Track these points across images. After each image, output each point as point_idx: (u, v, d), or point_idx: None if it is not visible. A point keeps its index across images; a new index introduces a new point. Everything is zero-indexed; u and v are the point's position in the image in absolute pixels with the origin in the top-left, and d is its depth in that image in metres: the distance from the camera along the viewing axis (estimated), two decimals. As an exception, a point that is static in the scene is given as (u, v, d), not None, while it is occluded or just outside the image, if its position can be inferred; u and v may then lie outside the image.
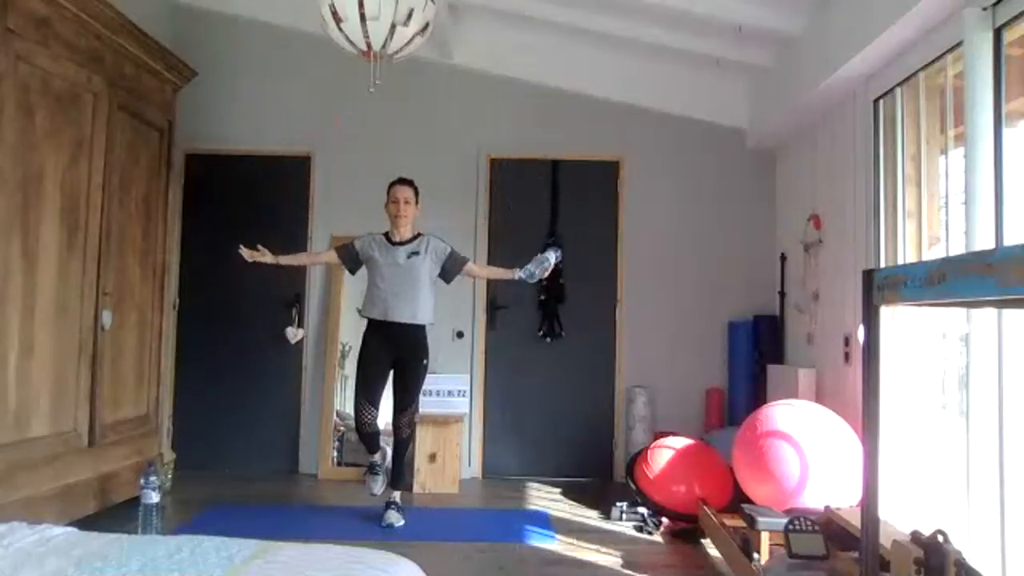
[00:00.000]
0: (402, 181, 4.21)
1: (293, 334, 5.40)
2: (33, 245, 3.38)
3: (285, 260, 4.16)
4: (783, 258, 5.28)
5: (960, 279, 1.26)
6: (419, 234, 4.19)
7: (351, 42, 3.43)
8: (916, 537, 1.84)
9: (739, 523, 3.45)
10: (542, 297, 5.46)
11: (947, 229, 3.36)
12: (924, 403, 3.46)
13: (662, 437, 4.59)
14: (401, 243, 4.14)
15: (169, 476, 4.75)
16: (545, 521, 4.31)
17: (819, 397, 4.34)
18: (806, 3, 4.12)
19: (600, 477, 5.38)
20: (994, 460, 2.80)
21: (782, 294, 5.25)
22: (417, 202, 4.21)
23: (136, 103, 4.19)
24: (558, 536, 4.01)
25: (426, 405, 4.91)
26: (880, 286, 1.55)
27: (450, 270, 4.20)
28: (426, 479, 4.93)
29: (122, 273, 4.10)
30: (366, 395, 4.14)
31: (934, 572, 1.73)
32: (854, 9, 3.69)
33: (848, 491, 3.45)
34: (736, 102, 5.47)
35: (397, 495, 4.27)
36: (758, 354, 5.22)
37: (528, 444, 5.47)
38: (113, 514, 3.85)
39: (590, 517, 4.44)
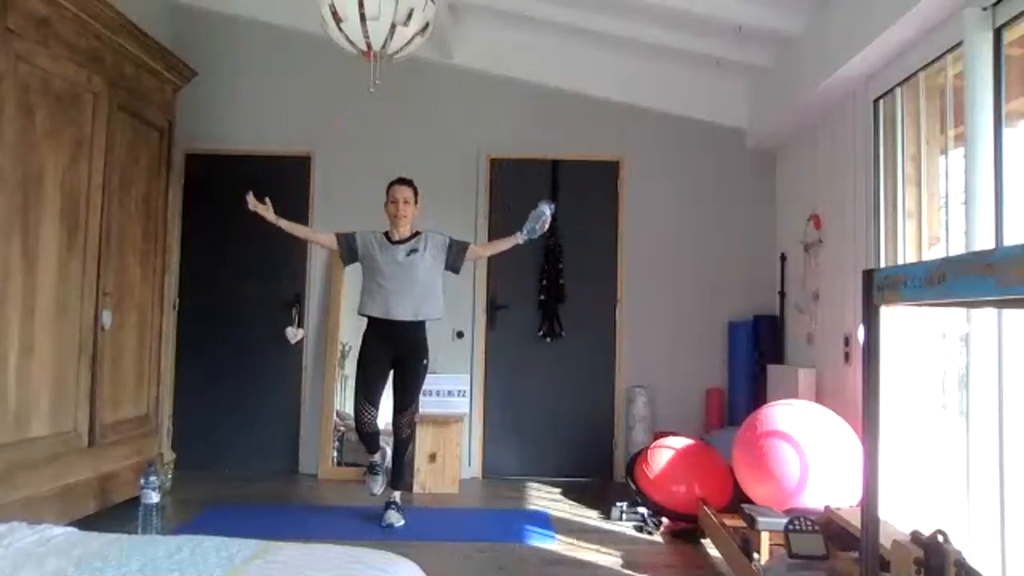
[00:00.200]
0: (401, 181, 4.21)
1: (293, 334, 5.40)
2: (33, 245, 3.38)
3: (285, 224, 4.10)
4: (783, 258, 5.28)
5: (960, 279, 1.26)
6: (417, 232, 4.19)
7: (351, 42, 3.43)
8: (916, 537, 1.84)
9: (739, 523, 3.45)
10: (542, 297, 5.46)
11: (947, 229, 3.36)
12: (924, 403, 3.46)
13: (662, 437, 4.60)
14: (400, 241, 4.15)
15: (169, 476, 4.75)
16: (545, 521, 4.31)
17: (819, 397, 4.34)
18: (806, 3, 4.12)
19: (600, 477, 5.38)
20: (994, 460, 2.80)
21: (782, 294, 5.25)
22: (417, 202, 4.21)
23: (136, 103, 4.19)
24: (558, 536, 4.01)
25: (426, 405, 4.91)
26: (880, 286, 1.55)
27: (454, 260, 4.19)
28: (426, 479, 4.93)
29: (122, 273, 4.10)
30: (366, 395, 4.14)
31: (934, 572, 1.73)
32: (854, 9, 3.69)
33: (848, 491, 3.45)
34: (736, 102, 5.47)
35: (397, 495, 4.27)
36: (758, 354, 5.22)
37: (528, 444, 5.47)
38: (113, 514, 3.85)
39: (590, 517, 4.44)
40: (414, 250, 4.12)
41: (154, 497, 3.56)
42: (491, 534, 4.05)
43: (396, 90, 5.03)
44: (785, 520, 2.93)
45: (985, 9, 2.86)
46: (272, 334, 5.42)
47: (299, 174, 5.52)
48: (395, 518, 4.12)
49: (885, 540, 1.85)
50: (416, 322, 4.13)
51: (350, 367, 5.26)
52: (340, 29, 3.37)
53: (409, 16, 3.32)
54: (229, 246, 5.49)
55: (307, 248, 5.49)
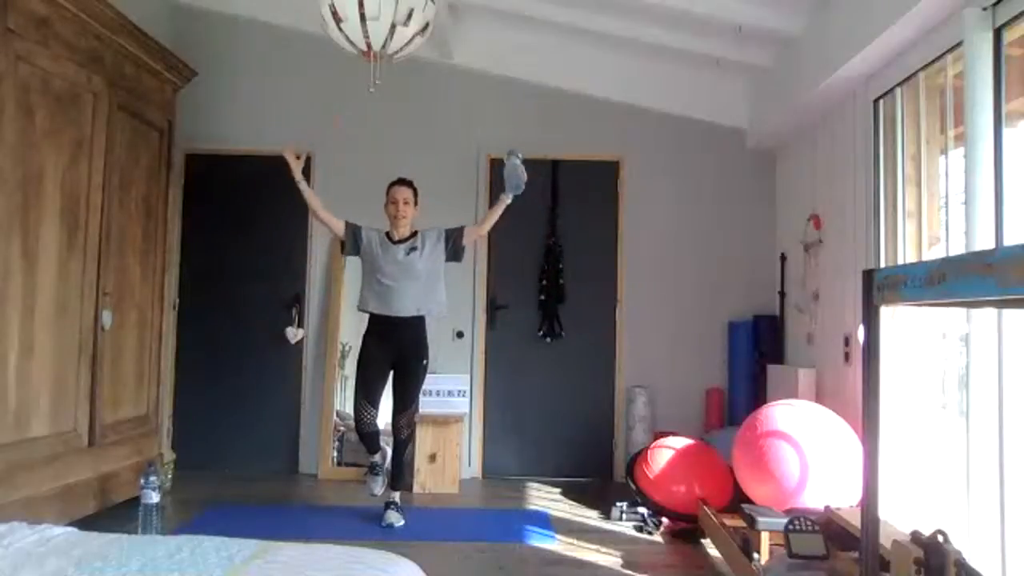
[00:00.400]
0: (401, 182, 4.22)
1: (293, 334, 5.40)
2: (33, 245, 3.38)
3: (305, 188, 4.08)
4: (783, 258, 5.28)
5: (960, 279, 1.26)
6: (416, 232, 4.20)
7: (351, 42, 3.43)
8: (916, 537, 1.84)
9: (739, 523, 3.45)
10: (542, 297, 5.46)
11: (947, 229, 3.36)
12: (924, 403, 3.46)
13: (662, 437, 4.60)
14: (400, 241, 4.16)
15: (169, 476, 4.75)
16: (545, 521, 4.31)
17: (819, 397, 4.34)
18: (806, 3, 4.12)
19: (600, 477, 5.38)
20: (994, 460, 2.80)
21: (782, 294, 5.25)
22: (416, 202, 4.21)
23: (136, 103, 4.19)
24: (558, 536, 4.01)
25: (426, 405, 4.92)
26: (880, 286, 1.55)
27: (454, 247, 4.18)
28: (426, 479, 4.93)
29: (122, 273, 4.10)
30: (365, 395, 4.14)
31: (934, 572, 1.73)
32: (854, 9, 3.69)
33: (848, 491, 3.45)
34: (736, 102, 5.47)
35: (397, 495, 4.27)
36: (758, 354, 5.22)
37: (528, 444, 5.47)
38: (113, 514, 3.85)
39: (590, 517, 4.44)
40: (413, 248, 4.13)
41: (154, 497, 3.56)
42: (491, 534, 4.05)
43: (396, 90, 5.03)
44: (785, 520, 2.93)
45: (985, 9, 2.86)
46: (272, 334, 5.42)
47: (299, 174, 5.51)
48: (395, 518, 4.13)
49: (885, 540, 1.85)
50: (417, 317, 4.14)
51: (350, 367, 5.26)
52: (340, 29, 3.37)
53: (409, 16, 3.32)
54: (229, 246, 5.49)
55: (307, 248, 5.49)
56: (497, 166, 5.51)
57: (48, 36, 3.41)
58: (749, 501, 3.72)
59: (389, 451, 4.30)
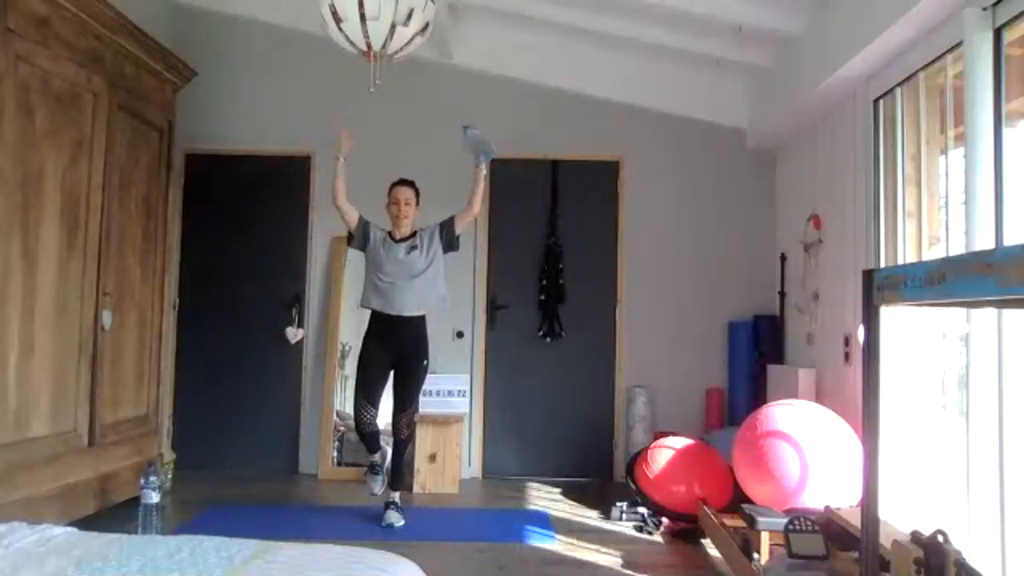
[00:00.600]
0: (403, 182, 4.23)
1: (293, 334, 5.40)
2: (33, 245, 3.38)
3: (341, 168, 4.07)
4: (783, 258, 5.28)
5: (960, 279, 1.26)
6: (415, 231, 4.21)
7: (351, 42, 3.43)
8: (916, 537, 1.84)
9: (739, 523, 3.45)
10: (542, 297, 5.46)
11: (947, 229, 3.36)
12: (924, 403, 3.46)
13: (662, 437, 4.60)
14: (402, 240, 4.17)
15: (169, 476, 4.75)
16: (545, 521, 4.31)
17: (819, 397, 4.34)
18: (806, 3, 4.12)
19: (600, 477, 5.38)
20: (994, 460, 2.80)
21: (782, 294, 5.25)
22: (418, 202, 4.22)
23: (136, 103, 4.19)
24: (558, 536, 4.01)
25: (426, 405, 4.92)
26: (880, 286, 1.55)
27: (448, 238, 4.19)
28: (426, 479, 4.93)
29: (122, 273, 4.11)
30: (365, 395, 4.15)
31: (934, 572, 1.73)
32: (854, 9, 3.69)
33: (848, 491, 3.45)
34: (736, 102, 5.47)
35: (397, 495, 4.27)
36: (758, 354, 5.22)
37: (528, 444, 5.47)
38: (113, 514, 3.86)
39: (590, 517, 4.44)
40: (414, 247, 4.15)
41: (154, 497, 3.56)
42: (491, 534, 4.05)
43: (396, 90, 5.03)
44: (785, 520, 2.93)
45: (985, 9, 2.86)
46: (272, 334, 5.42)
47: (299, 174, 5.52)
48: (395, 518, 4.13)
49: (885, 540, 1.85)
50: (418, 317, 4.15)
51: (350, 367, 5.26)
52: (340, 29, 3.37)
53: (409, 16, 3.32)
54: (229, 246, 5.49)
55: (307, 248, 5.50)
56: (496, 166, 5.55)
57: (48, 36, 3.41)
58: (749, 501, 3.72)
59: (389, 451, 4.31)
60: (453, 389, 5.29)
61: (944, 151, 3.47)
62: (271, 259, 5.50)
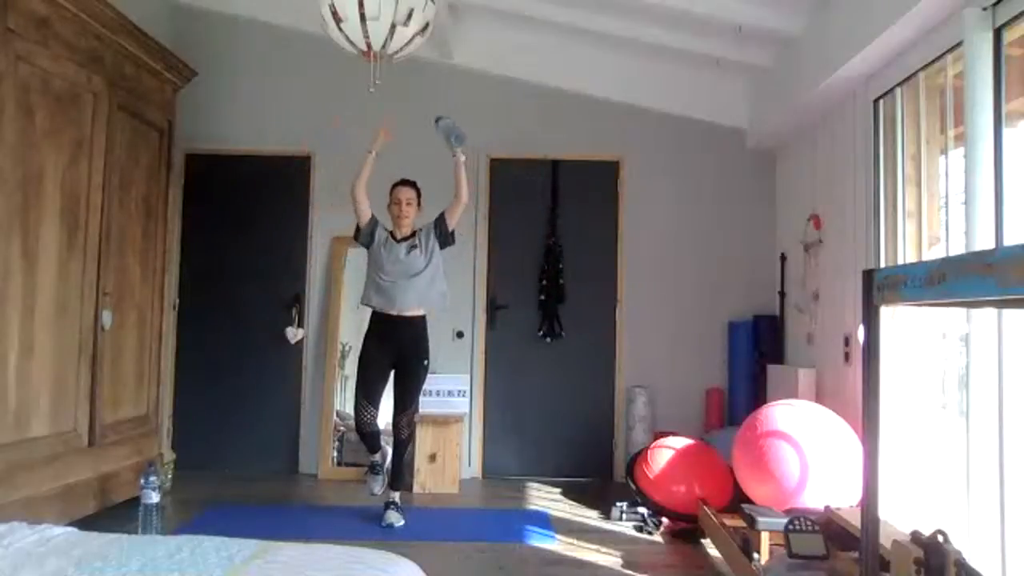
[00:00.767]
0: (404, 182, 4.24)
1: (293, 334, 5.40)
2: (33, 245, 3.38)
3: (370, 161, 4.08)
4: (783, 258, 5.28)
5: (960, 279, 1.26)
6: (415, 231, 4.21)
7: (351, 42, 3.43)
8: (916, 537, 1.84)
9: (739, 523, 3.45)
10: (542, 297, 5.46)
11: (947, 229, 3.36)
12: (924, 403, 3.46)
13: (662, 437, 4.59)
14: (402, 240, 4.18)
15: (169, 476, 4.75)
16: (545, 521, 4.31)
17: (819, 397, 4.34)
18: (806, 3, 4.12)
19: (600, 477, 5.38)
20: (994, 460, 2.80)
21: (782, 294, 5.25)
22: (420, 203, 4.23)
23: (136, 103, 4.19)
24: (558, 536, 4.01)
25: (426, 405, 4.92)
26: (880, 286, 1.55)
27: (442, 234, 4.19)
28: (426, 479, 4.93)
29: (122, 273, 4.10)
30: (366, 395, 4.15)
31: (934, 572, 1.73)
32: (854, 9, 3.69)
33: (848, 491, 3.45)
34: (736, 102, 5.47)
35: (397, 495, 4.27)
36: (758, 354, 5.22)
37: (528, 444, 5.47)
38: (113, 514, 3.85)
39: (590, 517, 4.44)
40: (414, 247, 4.16)
41: (154, 497, 3.56)
42: (491, 534, 4.05)
43: (396, 90, 5.03)
44: (785, 520, 2.93)
45: (985, 9, 2.86)
46: (272, 334, 5.42)
47: (299, 174, 5.52)
48: (395, 518, 4.13)
49: (885, 540, 1.85)
50: (418, 317, 4.16)
51: (350, 367, 5.26)
52: (340, 29, 3.37)
53: (409, 16, 3.32)
54: (229, 246, 5.49)
55: (307, 248, 5.50)
56: (497, 166, 5.56)
57: (48, 36, 3.41)
58: (749, 501, 3.72)
59: (389, 451, 4.31)
60: (453, 389, 5.29)
61: (944, 151, 3.47)
62: (271, 259, 5.50)
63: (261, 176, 5.53)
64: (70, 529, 2.25)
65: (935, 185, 3.54)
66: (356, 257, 5.32)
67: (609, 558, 3.68)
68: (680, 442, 4.37)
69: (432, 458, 4.95)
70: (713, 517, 3.73)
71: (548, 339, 5.44)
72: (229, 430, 5.39)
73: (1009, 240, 2.80)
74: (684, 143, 5.56)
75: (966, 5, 2.94)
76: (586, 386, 5.50)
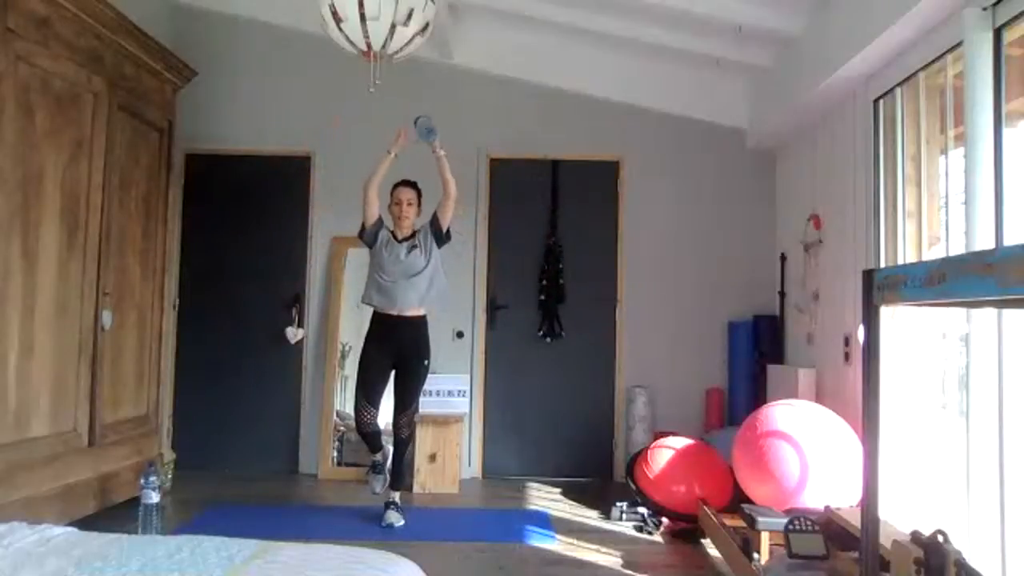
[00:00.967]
0: (405, 183, 4.24)
1: (293, 334, 5.40)
2: (33, 245, 3.38)
3: (387, 161, 4.09)
4: (783, 258, 5.28)
5: (960, 279, 1.26)
6: (415, 231, 4.22)
7: (351, 42, 3.43)
8: (916, 537, 1.84)
9: (739, 523, 3.45)
10: (542, 297, 5.46)
11: (947, 229, 3.36)
12: (924, 403, 3.46)
13: (662, 437, 4.60)
14: (403, 240, 4.18)
15: (169, 476, 4.75)
16: (545, 521, 4.31)
17: (819, 397, 4.34)
18: (806, 3, 4.12)
19: (600, 477, 5.38)
20: (994, 460, 2.80)
21: (782, 294, 5.25)
22: (420, 203, 4.24)
23: (136, 103, 4.19)
24: (558, 536, 4.01)
25: (426, 405, 4.92)
26: (880, 286, 1.55)
27: (436, 232, 4.18)
28: (426, 479, 4.93)
29: (122, 273, 4.11)
30: (366, 395, 4.15)
31: (934, 572, 1.73)
32: (854, 9, 3.69)
33: (848, 491, 3.45)
34: (736, 102, 5.47)
35: (396, 495, 4.27)
36: (758, 354, 5.22)
37: (528, 444, 5.47)
38: (113, 514, 3.85)
39: (590, 517, 4.44)
40: (414, 247, 4.16)
41: (154, 497, 3.56)
42: (491, 534, 4.05)
43: (396, 90, 5.02)
44: (785, 520, 2.93)
45: (985, 9, 2.86)
46: (272, 334, 5.42)
47: (299, 174, 5.52)
48: (395, 518, 4.13)
49: (885, 540, 1.85)
50: (419, 316, 4.17)
51: (350, 367, 5.26)
52: (340, 29, 3.37)
53: (409, 16, 3.32)
54: (229, 246, 5.49)
55: (307, 248, 5.50)
56: (497, 166, 5.56)
57: (48, 36, 3.41)
58: (749, 501, 3.72)
59: (391, 450, 4.31)
60: (453, 389, 5.29)
61: (944, 151, 3.47)
62: (271, 259, 5.50)
63: (261, 176, 5.53)
64: (70, 529, 2.25)
65: (935, 185, 3.54)
66: (356, 257, 5.33)
67: (609, 558, 3.68)
68: (680, 442, 4.37)
69: (432, 458, 4.95)
70: (713, 517, 3.73)
71: (548, 339, 5.44)
72: (229, 430, 5.39)
73: (1009, 240, 2.80)
74: (684, 143, 5.56)
75: (966, 5, 2.94)
76: (586, 386, 5.50)
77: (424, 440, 4.93)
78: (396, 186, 4.23)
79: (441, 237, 4.19)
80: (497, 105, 5.56)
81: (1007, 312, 2.74)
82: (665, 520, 4.14)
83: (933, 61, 3.37)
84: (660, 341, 5.48)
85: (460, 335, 5.47)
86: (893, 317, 3.51)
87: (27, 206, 3.34)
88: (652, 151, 5.56)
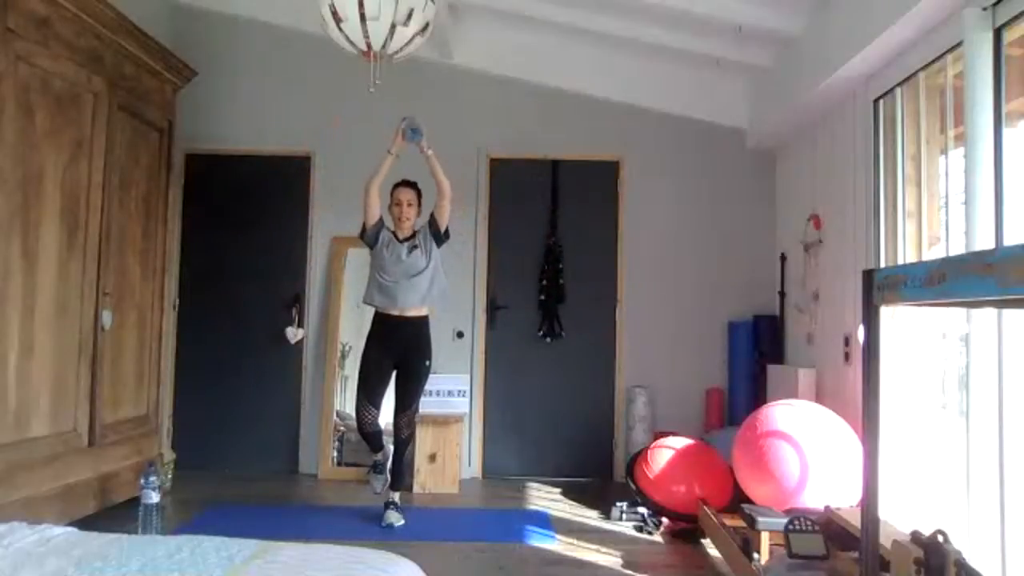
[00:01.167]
0: (405, 183, 4.25)
1: (293, 334, 5.40)
2: (33, 245, 3.38)
3: (388, 162, 4.09)
4: (783, 258, 5.28)
5: (960, 279, 1.26)
6: (416, 231, 4.22)
7: (351, 42, 3.43)
8: (916, 537, 1.84)
9: (739, 523, 3.45)
10: (542, 297, 5.46)
11: (947, 229, 3.36)
12: (924, 403, 3.46)
13: (662, 437, 4.60)
14: (404, 240, 4.19)
15: (169, 476, 4.75)
16: (545, 521, 4.31)
17: (819, 397, 4.34)
18: (806, 3, 4.12)
19: (600, 477, 5.38)
20: (994, 460, 2.80)
21: (782, 294, 5.25)
22: (421, 203, 4.24)
23: (136, 103, 4.19)
24: (558, 536, 4.01)
25: (426, 405, 4.91)
26: (880, 286, 1.55)
27: (435, 232, 4.18)
28: (426, 479, 4.93)
29: (122, 273, 4.11)
30: (367, 396, 4.16)
31: (934, 572, 1.73)
32: (854, 9, 3.69)
33: (848, 491, 3.45)
34: (736, 102, 5.47)
35: (397, 495, 4.27)
36: (758, 354, 5.22)
37: (528, 444, 5.47)
38: (113, 514, 3.85)
39: (590, 517, 4.44)
40: (415, 247, 4.16)
41: (154, 497, 3.56)
42: (491, 534, 4.05)
43: (396, 90, 5.02)
44: (785, 520, 2.93)
45: (985, 9, 2.86)
46: (272, 334, 5.42)
47: (299, 174, 5.52)
48: (395, 518, 4.13)
49: (885, 540, 1.85)
50: (420, 316, 4.17)
51: (350, 367, 5.27)
52: (340, 29, 3.37)
53: (409, 16, 3.32)
54: (229, 246, 5.49)
55: (307, 248, 5.50)
56: (497, 166, 5.56)
57: (48, 36, 3.41)
58: (749, 501, 3.72)
59: (391, 449, 4.31)
60: (453, 389, 5.29)
61: (944, 151, 3.47)
62: (271, 259, 5.50)
63: (261, 176, 5.53)
64: (70, 529, 2.25)
65: (935, 185, 3.54)
66: (356, 257, 5.33)
67: (609, 558, 3.68)
68: (680, 442, 4.37)
69: (432, 458, 4.95)
70: (713, 517, 3.73)
71: (548, 339, 5.44)
72: (229, 430, 5.39)
73: (1009, 240, 2.80)
74: (684, 143, 5.56)
75: (966, 5, 2.94)
76: (586, 386, 5.50)
77: (424, 440, 4.93)
78: (396, 186, 4.23)
79: (440, 237, 4.19)
80: (497, 105, 5.56)
81: (1007, 312, 2.74)
82: (665, 520, 4.14)
83: (933, 61, 3.37)
84: (660, 341, 5.48)
85: (460, 335, 5.47)
86: (893, 317, 3.51)
87: (27, 206, 3.34)
88: (652, 151, 5.56)
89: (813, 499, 3.45)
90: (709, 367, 5.45)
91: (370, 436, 4.21)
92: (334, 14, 3.32)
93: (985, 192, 2.84)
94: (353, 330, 5.36)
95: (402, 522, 4.13)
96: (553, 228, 5.53)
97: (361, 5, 3.25)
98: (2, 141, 3.16)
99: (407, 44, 3.47)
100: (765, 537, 3.15)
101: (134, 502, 3.70)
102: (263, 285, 5.47)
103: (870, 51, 3.58)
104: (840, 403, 4.01)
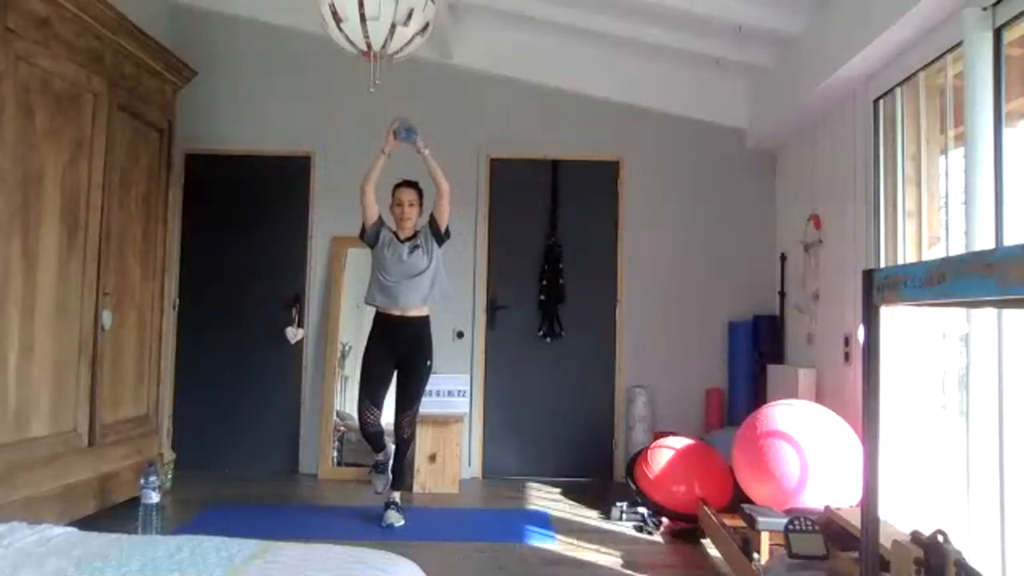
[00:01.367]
0: (406, 183, 4.25)
1: (293, 334, 5.40)
2: (33, 245, 3.38)
3: (381, 163, 4.09)
4: (783, 258, 5.28)
5: (960, 279, 1.26)
6: (417, 231, 4.22)
7: (351, 42, 3.43)
8: (916, 537, 1.84)
9: (739, 523, 3.45)
10: (542, 297, 5.46)
11: (947, 229, 3.36)
12: (924, 403, 3.46)
13: (662, 437, 4.60)
14: (405, 240, 4.19)
15: (169, 476, 4.75)
16: (545, 521, 4.31)
17: (819, 397, 4.34)
18: (806, 3, 4.12)
19: (600, 477, 5.38)
20: (994, 460, 2.80)
21: (782, 294, 5.25)
22: (422, 203, 4.24)
23: (136, 103, 4.19)
24: (558, 536, 4.01)
25: (426, 405, 4.89)
26: (880, 286, 1.55)
27: (435, 232, 4.19)
28: (426, 479, 4.93)
29: (122, 273, 4.11)
30: (369, 396, 4.16)
31: (934, 572, 1.73)
32: (854, 9, 3.69)
33: (848, 491, 3.45)
34: (736, 102, 5.47)
35: (397, 495, 4.27)
36: (758, 354, 5.22)
37: (528, 444, 5.47)
38: (113, 514, 3.85)
39: (590, 517, 4.44)
40: (416, 247, 4.17)
41: (154, 497, 3.56)
42: (491, 534, 4.05)
43: (396, 90, 5.02)
44: (785, 520, 2.93)
45: (985, 9, 2.86)
46: (272, 334, 5.42)
47: (299, 174, 5.52)
48: (395, 518, 4.13)
49: (885, 540, 1.85)
50: (422, 316, 4.18)
51: (350, 367, 5.27)
52: (340, 29, 3.37)
53: (409, 16, 3.32)
54: (229, 246, 5.49)
55: (307, 248, 5.50)
56: (497, 166, 5.56)
57: (48, 36, 3.41)
58: (749, 501, 3.72)
59: (393, 449, 4.31)
60: (453, 389, 5.29)
61: (944, 151, 3.47)
62: (271, 259, 5.50)
63: (261, 176, 5.53)
64: (70, 529, 2.25)
65: (935, 185, 3.54)
66: (356, 257, 5.33)
67: (609, 558, 3.68)
68: (680, 442, 4.37)
69: (432, 458, 4.95)
70: (713, 517, 3.73)
71: (548, 339, 5.44)
72: (229, 430, 5.39)
73: (1009, 240, 2.80)
74: (684, 143, 5.56)
75: (966, 5, 2.94)
76: (586, 386, 5.50)
77: (424, 440, 4.93)
78: (397, 187, 4.23)
79: (441, 236, 4.19)
80: (497, 105, 5.56)
81: (1007, 312, 2.74)
82: (665, 520, 4.14)
83: (933, 61, 3.37)
84: (660, 341, 5.48)
85: (460, 335, 5.47)
86: (893, 317, 3.51)
87: (27, 206, 3.34)
88: (652, 151, 5.56)
89: (813, 499, 3.45)
90: (709, 367, 5.45)
91: (372, 436, 4.21)
92: (334, 14, 3.32)
93: (985, 192, 2.84)
94: (353, 330, 5.36)
95: (402, 522, 4.13)
96: (553, 228, 5.53)
97: (361, 5, 3.25)
98: (2, 141, 3.16)
99: (407, 44, 3.47)
100: (765, 537, 3.15)
101: (134, 502, 3.70)
102: (263, 285, 5.47)
103: (870, 51, 3.58)
104: (840, 403, 4.01)
